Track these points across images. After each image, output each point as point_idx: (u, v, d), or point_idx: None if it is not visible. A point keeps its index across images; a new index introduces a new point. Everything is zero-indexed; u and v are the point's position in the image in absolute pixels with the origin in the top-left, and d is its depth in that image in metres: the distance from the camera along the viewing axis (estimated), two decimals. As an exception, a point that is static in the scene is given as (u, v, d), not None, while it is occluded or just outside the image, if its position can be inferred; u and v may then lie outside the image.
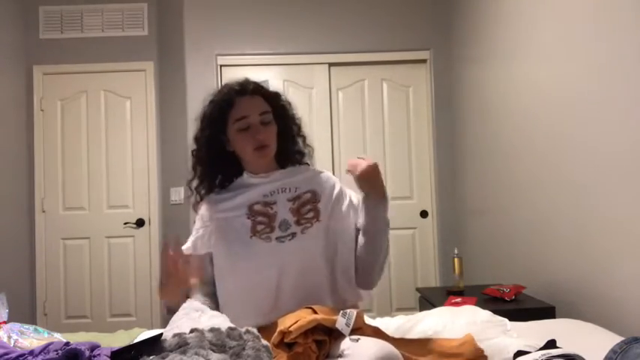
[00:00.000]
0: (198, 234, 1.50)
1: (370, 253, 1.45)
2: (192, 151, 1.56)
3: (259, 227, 1.42)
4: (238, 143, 1.48)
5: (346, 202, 1.51)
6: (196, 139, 1.54)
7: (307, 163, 1.61)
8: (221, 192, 1.55)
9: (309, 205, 1.46)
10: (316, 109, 3.86)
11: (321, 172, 1.58)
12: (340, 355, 1.12)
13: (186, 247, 1.50)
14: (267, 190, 1.48)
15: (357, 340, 1.13)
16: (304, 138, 1.61)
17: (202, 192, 1.56)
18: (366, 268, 1.46)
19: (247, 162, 1.52)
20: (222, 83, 3.90)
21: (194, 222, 1.56)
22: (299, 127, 1.60)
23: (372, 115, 3.92)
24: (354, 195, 1.54)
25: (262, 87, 1.53)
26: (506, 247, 2.91)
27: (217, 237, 1.46)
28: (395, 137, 3.92)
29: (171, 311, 1.37)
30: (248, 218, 1.44)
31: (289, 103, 1.59)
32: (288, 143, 1.56)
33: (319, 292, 1.41)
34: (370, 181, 1.39)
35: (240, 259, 1.42)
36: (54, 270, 3.69)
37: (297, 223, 1.43)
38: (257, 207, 1.45)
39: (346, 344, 1.13)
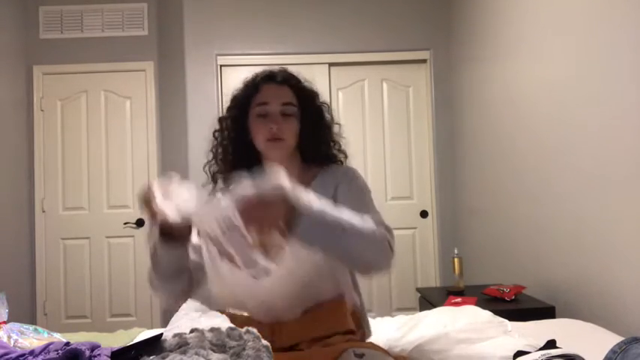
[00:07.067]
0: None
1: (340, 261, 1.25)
2: (214, 132, 1.44)
3: None
4: (254, 130, 1.37)
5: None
6: (220, 119, 1.45)
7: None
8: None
9: None
10: (316, 109, 3.86)
11: (336, 175, 1.40)
12: None
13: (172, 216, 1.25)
14: None
15: (362, 356, 1.10)
16: (338, 144, 1.48)
17: (217, 180, 1.42)
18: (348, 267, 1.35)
19: (264, 157, 1.39)
20: (222, 82, 3.90)
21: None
22: (330, 130, 1.47)
23: (372, 115, 3.92)
24: (364, 191, 1.39)
25: (294, 78, 1.42)
26: (506, 247, 2.91)
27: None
28: (395, 137, 3.92)
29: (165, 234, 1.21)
30: None
31: (326, 105, 1.49)
32: (312, 144, 1.43)
33: (319, 296, 1.30)
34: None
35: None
36: (54, 270, 3.69)
37: None
38: None
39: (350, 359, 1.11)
